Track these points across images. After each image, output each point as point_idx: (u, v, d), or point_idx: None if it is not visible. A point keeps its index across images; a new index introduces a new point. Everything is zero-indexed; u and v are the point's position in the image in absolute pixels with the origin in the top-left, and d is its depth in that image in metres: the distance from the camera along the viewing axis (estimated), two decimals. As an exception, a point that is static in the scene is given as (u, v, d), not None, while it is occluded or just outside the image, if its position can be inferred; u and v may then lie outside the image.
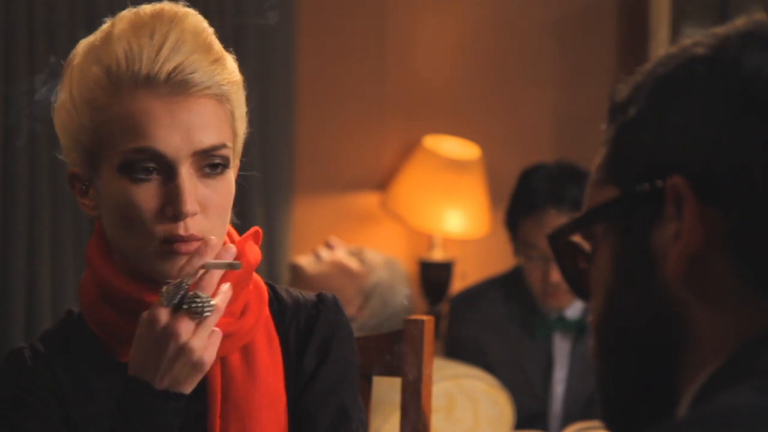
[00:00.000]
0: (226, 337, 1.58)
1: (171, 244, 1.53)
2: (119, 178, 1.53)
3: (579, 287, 1.08)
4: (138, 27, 1.54)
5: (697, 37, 1.02)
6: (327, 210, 4.17)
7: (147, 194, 1.52)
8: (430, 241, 4.18)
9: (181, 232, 1.52)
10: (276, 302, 1.69)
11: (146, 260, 1.55)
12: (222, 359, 1.60)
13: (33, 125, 3.54)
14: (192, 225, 1.53)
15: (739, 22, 1.01)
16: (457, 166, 4.09)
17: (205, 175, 1.54)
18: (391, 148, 4.22)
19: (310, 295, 1.70)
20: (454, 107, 4.25)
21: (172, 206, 1.52)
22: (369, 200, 4.22)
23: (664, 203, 0.97)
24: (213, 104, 1.54)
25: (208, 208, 1.54)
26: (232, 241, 1.64)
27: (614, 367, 1.03)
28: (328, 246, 3.67)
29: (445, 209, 4.11)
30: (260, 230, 1.68)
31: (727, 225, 0.95)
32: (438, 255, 4.17)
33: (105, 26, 1.59)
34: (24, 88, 3.56)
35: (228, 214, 1.58)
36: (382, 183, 4.20)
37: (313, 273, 3.57)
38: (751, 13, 1.02)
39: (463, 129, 4.19)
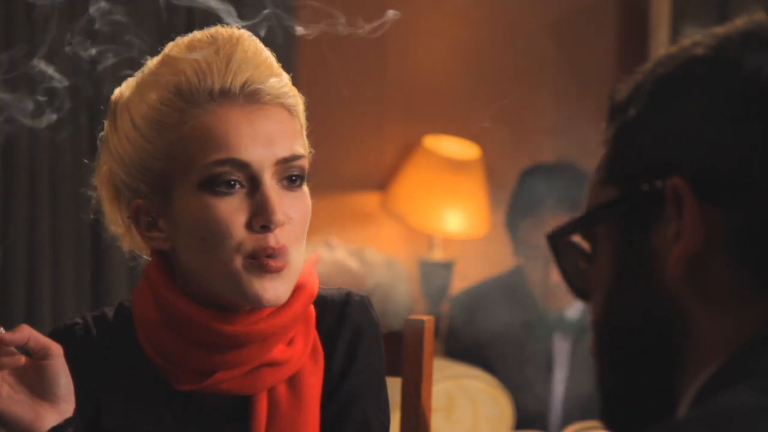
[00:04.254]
0: (280, 364, 1.56)
1: (260, 259, 1.49)
2: (200, 195, 1.49)
3: (578, 288, 1.08)
4: (200, 46, 1.52)
5: (697, 37, 1.02)
6: (327, 210, 4.17)
7: (232, 208, 1.49)
8: (430, 241, 4.17)
9: (272, 243, 1.49)
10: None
11: (231, 281, 1.50)
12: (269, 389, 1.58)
13: (33, 126, 3.54)
14: (282, 236, 1.50)
15: (740, 22, 1.01)
16: (457, 166, 4.09)
17: (285, 188, 1.52)
18: (391, 148, 4.22)
19: (340, 293, 1.66)
20: (454, 107, 4.25)
21: (261, 217, 1.48)
22: (369, 200, 4.22)
23: (665, 204, 0.97)
24: (286, 115, 1.54)
25: (292, 220, 1.51)
26: None
27: (614, 367, 1.02)
28: (328, 246, 3.67)
29: (445, 209, 4.10)
30: (321, 255, 1.65)
31: (728, 225, 0.95)
32: (438, 255, 4.16)
33: (154, 60, 1.56)
34: (25, 89, 3.56)
35: (305, 231, 1.55)
36: (382, 183, 4.20)
37: (313, 273, 3.57)
38: (751, 13, 1.02)
39: (463, 129, 4.18)
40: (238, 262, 1.49)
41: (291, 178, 1.52)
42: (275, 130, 1.51)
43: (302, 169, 1.53)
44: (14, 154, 3.53)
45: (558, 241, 1.07)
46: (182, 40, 1.55)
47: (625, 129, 1.02)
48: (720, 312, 0.96)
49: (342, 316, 1.64)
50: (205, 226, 1.49)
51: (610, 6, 4.38)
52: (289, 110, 1.54)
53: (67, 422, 1.47)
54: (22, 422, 1.45)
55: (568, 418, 3.31)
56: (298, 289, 1.57)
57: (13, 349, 1.45)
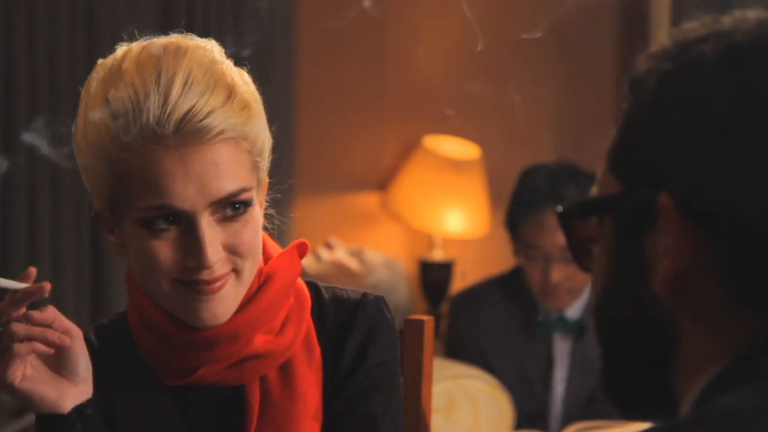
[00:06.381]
0: (264, 356, 1.58)
1: (192, 285, 1.51)
2: (139, 230, 1.50)
3: (583, 265, 1.08)
4: (144, 66, 1.48)
5: (706, 25, 1.00)
6: (327, 210, 4.17)
7: (167, 245, 1.50)
8: (430, 241, 4.18)
9: (205, 277, 1.51)
10: (317, 305, 1.66)
11: (168, 303, 1.54)
12: (261, 377, 1.59)
13: (34, 127, 3.54)
14: (219, 267, 1.51)
15: (748, 21, 0.99)
16: (457, 166, 4.09)
17: (227, 218, 1.51)
18: (391, 148, 4.22)
19: (356, 294, 1.66)
20: (454, 107, 4.25)
21: (193, 258, 1.50)
22: (369, 200, 4.22)
23: (658, 214, 0.97)
24: (228, 148, 1.49)
25: (235, 246, 1.52)
26: (270, 255, 1.62)
27: (612, 352, 1.03)
28: (328, 246, 3.67)
29: (445, 209, 4.11)
30: (307, 243, 1.65)
31: (714, 245, 0.94)
32: (438, 255, 4.16)
33: (118, 53, 1.54)
34: (25, 93, 3.56)
35: (258, 247, 1.55)
36: (382, 183, 4.20)
37: (313, 273, 3.57)
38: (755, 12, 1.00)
39: (463, 129, 4.18)
40: (172, 288, 1.52)
41: (234, 206, 1.51)
42: (212, 171, 1.48)
43: (244, 200, 1.52)
44: (15, 154, 3.53)
45: (567, 220, 1.07)
46: (135, 49, 1.52)
47: (628, 124, 1.01)
48: (707, 327, 0.96)
49: (355, 314, 1.64)
50: (143, 258, 1.52)
51: (611, 6, 4.38)
52: (234, 141, 1.50)
53: (89, 402, 1.52)
54: (47, 400, 1.49)
55: (568, 418, 3.31)
56: (266, 282, 1.58)
57: None
